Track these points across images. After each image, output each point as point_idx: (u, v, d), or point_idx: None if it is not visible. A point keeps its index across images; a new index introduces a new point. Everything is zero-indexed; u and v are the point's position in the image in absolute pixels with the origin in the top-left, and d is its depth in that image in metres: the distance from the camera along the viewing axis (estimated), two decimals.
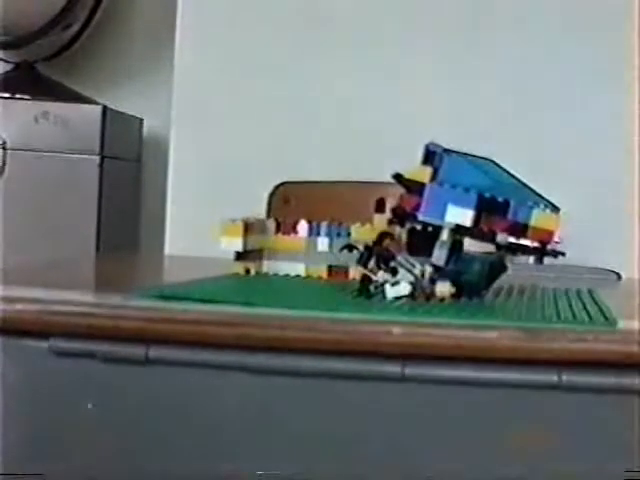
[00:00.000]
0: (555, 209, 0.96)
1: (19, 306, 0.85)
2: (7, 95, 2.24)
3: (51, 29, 2.30)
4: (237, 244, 1.08)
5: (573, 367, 0.79)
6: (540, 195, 0.97)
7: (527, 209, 0.94)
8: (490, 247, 0.96)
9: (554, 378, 0.79)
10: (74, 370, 0.85)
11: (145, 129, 2.50)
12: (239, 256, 1.10)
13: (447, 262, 0.95)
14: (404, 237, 1.01)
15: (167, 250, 1.91)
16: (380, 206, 1.13)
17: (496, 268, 0.98)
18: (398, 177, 0.97)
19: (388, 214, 1.11)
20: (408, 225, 1.03)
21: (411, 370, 0.81)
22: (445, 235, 0.95)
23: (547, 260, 1.02)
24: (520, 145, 1.82)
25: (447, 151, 0.97)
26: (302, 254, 1.14)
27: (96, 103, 2.24)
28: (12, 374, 0.84)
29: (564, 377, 0.79)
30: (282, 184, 1.77)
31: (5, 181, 2.11)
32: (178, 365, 0.84)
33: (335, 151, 1.90)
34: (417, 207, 0.96)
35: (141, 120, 2.48)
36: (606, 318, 0.89)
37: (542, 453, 0.80)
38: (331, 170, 1.79)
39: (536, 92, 1.88)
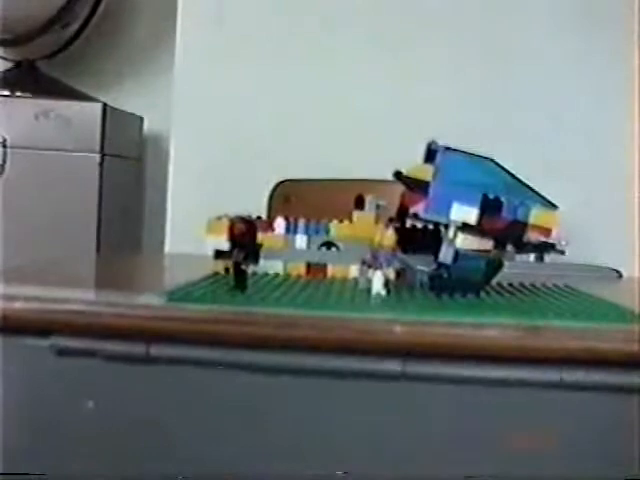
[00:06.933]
0: (553, 207, 0.96)
1: (20, 304, 0.85)
2: (7, 93, 2.24)
3: (51, 27, 2.30)
4: (223, 242, 1.07)
5: (575, 366, 0.79)
6: (538, 193, 0.98)
7: (526, 207, 0.95)
8: (487, 245, 0.97)
9: (556, 377, 0.79)
10: (75, 368, 0.85)
11: (145, 127, 2.50)
12: (219, 254, 1.09)
13: (455, 260, 0.96)
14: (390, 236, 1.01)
15: (167, 248, 1.91)
16: (359, 203, 1.13)
17: (495, 266, 0.99)
18: (398, 175, 0.97)
19: (369, 211, 1.12)
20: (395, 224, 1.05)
21: (412, 368, 0.81)
22: (451, 233, 0.95)
23: (548, 258, 1.02)
24: (521, 145, 1.82)
25: (448, 149, 0.98)
26: (280, 252, 1.13)
27: (97, 101, 2.24)
28: (12, 373, 0.84)
29: (565, 376, 0.79)
30: (282, 182, 1.77)
31: (5, 180, 2.11)
32: (179, 363, 0.84)
33: (335, 150, 1.90)
34: (419, 205, 0.96)
35: (141, 118, 2.48)
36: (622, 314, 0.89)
37: (543, 452, 0.80)
38: (331, 168, 1.79)
39: (537, 91, 1.88)
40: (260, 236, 1.09)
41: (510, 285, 1.10)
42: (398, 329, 0.81)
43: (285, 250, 1.13)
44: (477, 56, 1.90)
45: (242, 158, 1.93)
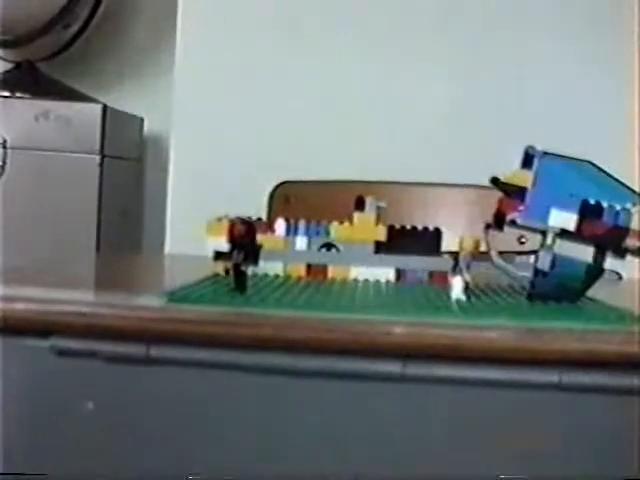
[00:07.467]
0: None
1: (20, 305, 0.85)
2: (7, 94, 2.25)
3: (51, 28, 2.31)
4: (222, 244, 1.07)
5: (574, 367, 0.79)
6: None
7: (627, 212, 0.93)
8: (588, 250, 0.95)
9: (555, 378, 0.79)
10: (75, 369, 0.85)
11: (146, 128, 2.50)
12: (218, 255, 1.09)
13: (552, 266, 0.95)
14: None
15: (167, 249, 1.91)
16: (359, 204, 1.13)
17: (594, 273, 0.97)
18: (495, 181, 0.96)
19: (369, 212, 1.12)
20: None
21: (411, 370, 0.81)
22: (550, 239, 0.94)
23: None
24: (521, 145, 1.82)
25: (546, 154, 0.96)
26: (280, 253, 1.13)
27: (96, 102, 2.24)
28: (13, 374, 0.84)
29: (565, 377, 0.79)
30: (282, 184, 1.77)
31: (5, 181, 2.11)
32: (179, 364, 0.84)
33: (336, 151, 1.90)
34: (517, 211, 0.95)
35: (142, 119, 2.48)
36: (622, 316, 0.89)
37: (542, 453, 0.80)
38: (331, 170, 1.79)
39: (537, 92, 1.88)
40: (260, 237, 1.09)
41: (510, 287, 1.10)
42: (398, 331, 0.81)
43: (285, 251, 1.13)
44: (476, 57, 1.90)
45: (242, 159, 1.93)
